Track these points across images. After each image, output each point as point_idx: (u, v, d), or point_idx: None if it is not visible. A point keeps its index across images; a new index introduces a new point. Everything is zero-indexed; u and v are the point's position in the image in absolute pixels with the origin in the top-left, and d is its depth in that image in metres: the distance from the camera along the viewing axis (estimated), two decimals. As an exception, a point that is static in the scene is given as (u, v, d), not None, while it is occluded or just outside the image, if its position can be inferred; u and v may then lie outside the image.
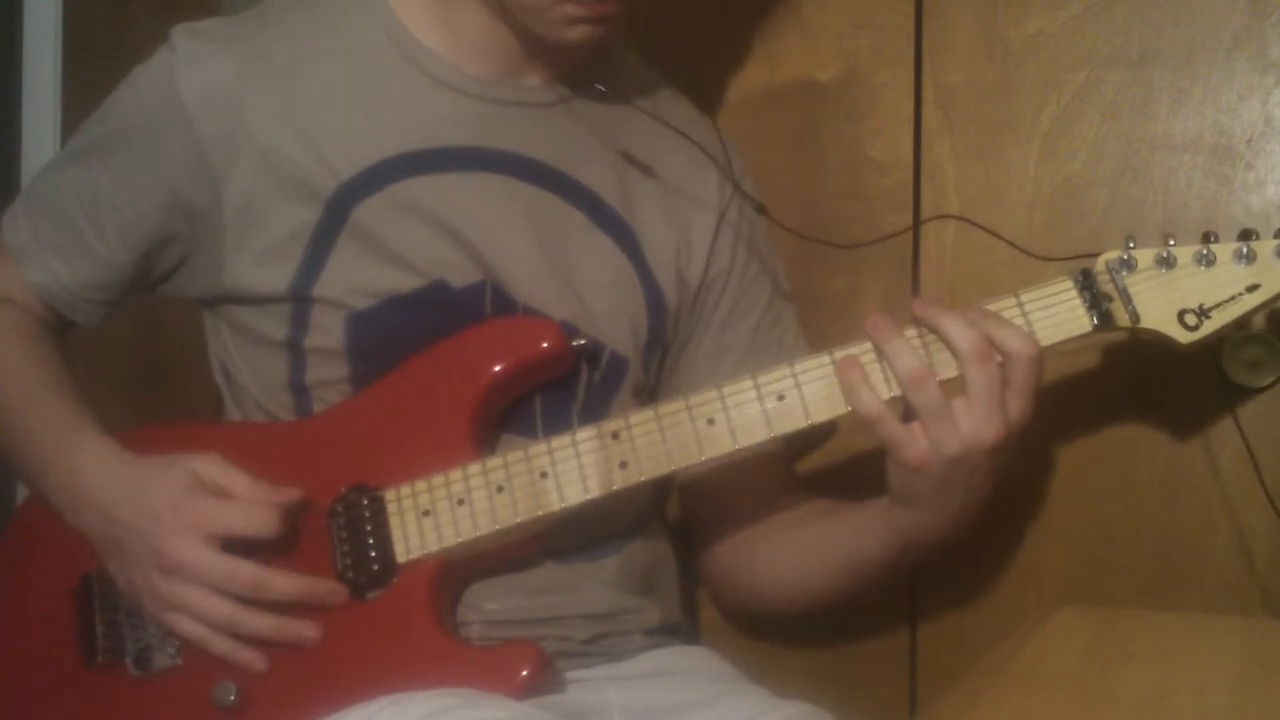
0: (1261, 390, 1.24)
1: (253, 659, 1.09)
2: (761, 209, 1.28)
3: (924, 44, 1.37)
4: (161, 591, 1.09)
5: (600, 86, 1.20)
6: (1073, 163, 1.32)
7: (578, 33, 1.10)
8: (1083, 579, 1.31)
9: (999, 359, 1.02)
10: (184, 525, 1.07)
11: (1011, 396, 1.02)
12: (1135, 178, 1.30)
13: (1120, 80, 1.30)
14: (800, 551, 1.21)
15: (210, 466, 1.10)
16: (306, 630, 1.09)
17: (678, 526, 1.32)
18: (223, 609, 1.08)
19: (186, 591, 1.08)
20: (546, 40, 1.12)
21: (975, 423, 1.02)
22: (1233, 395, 1.24)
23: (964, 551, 1.18)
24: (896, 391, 1.04)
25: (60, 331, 1.26)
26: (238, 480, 1.10)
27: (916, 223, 1.37)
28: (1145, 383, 1.27)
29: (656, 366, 1.24)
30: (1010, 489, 1.14)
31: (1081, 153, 1.32)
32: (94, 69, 1.74)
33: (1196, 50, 1.28)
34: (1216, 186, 1.27)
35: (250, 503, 1.09)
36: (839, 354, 1.06)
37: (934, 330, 1.04)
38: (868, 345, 1.06)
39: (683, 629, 1.27)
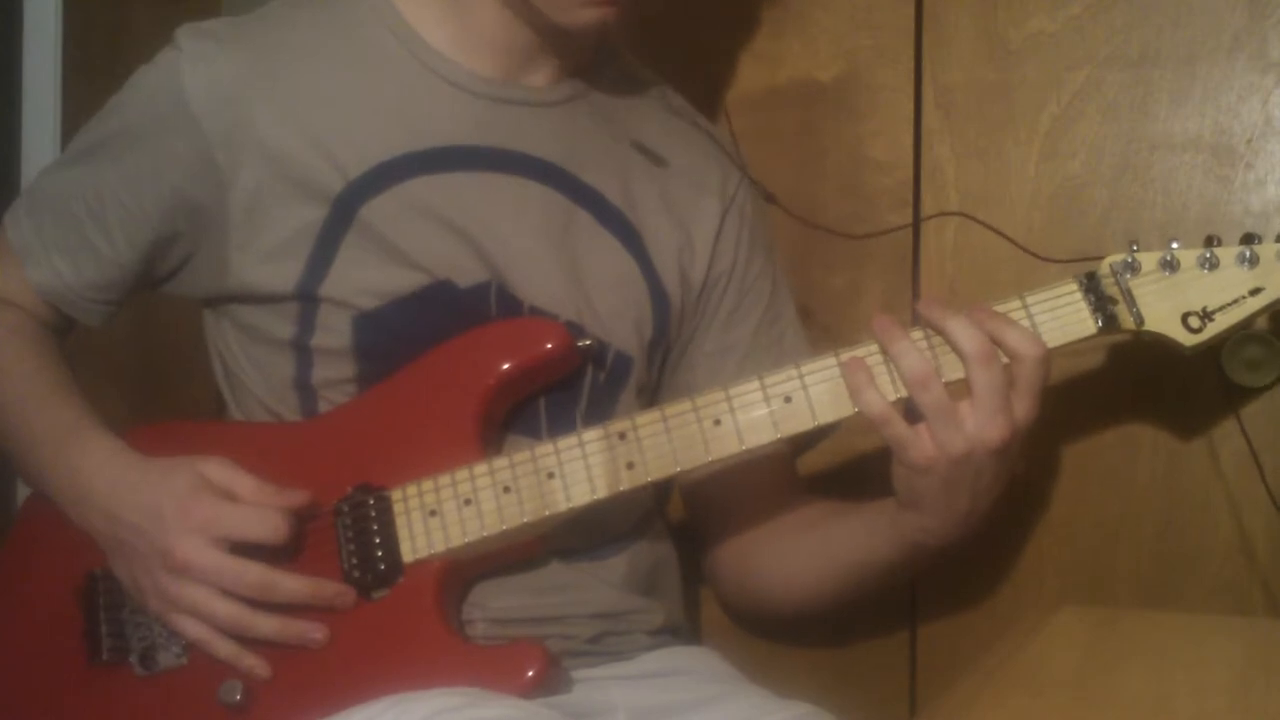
0: (1261, 390, 1.24)
1: (256, 664, 1.09)
2: (771, 198, 1.28)
3: (924, 44, 1.38)
4: (168, 592, 1.08)
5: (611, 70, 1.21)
6: (1073, 163, 1.32)
7: (589, 15, 1.10)
8: (1083, 578, 1.31)
9: (1004, 360, 1.03)
10: (191, 526, 1.07)
11: (1017, 397, 1.03)
12: (1135, 178, 1.30)
13: (1120, 80, 1.31)
14: (806, 555, 1.21)
15: (217, 469, 1.10)
16: (313, 631, 1.09)
17: (680, 528, 1.32)
18: (229, 610, 1.08)
19: (193, 592, 1.08)
20: (559, 24, 1.12)
21: (980, 423, 1.02)
22: (1233, 394, 1.24)
23: (964, 552, 1.18)
24: (903, 393, 1.04)
25: (63, 332, 1.26)
26: (245, 483, 1.10)
27: (916, 223, 1.37)
28: (1146, 382, 1.28)
29: (659, 365, 1.24)
30: (1011, 489, 1.14)
31: (1081, 153, 1.32)
32: (94, 69, 1.73)
33: (1196, 50, 1.28)
34: (1216, 186, 1.28)
35: (256, 507, 1.09)
36: (845, 355, 1.07)
37: (939, 332, 1.04)
38: (873, 346, 1.06)
39: (684, 629, 1.27)
